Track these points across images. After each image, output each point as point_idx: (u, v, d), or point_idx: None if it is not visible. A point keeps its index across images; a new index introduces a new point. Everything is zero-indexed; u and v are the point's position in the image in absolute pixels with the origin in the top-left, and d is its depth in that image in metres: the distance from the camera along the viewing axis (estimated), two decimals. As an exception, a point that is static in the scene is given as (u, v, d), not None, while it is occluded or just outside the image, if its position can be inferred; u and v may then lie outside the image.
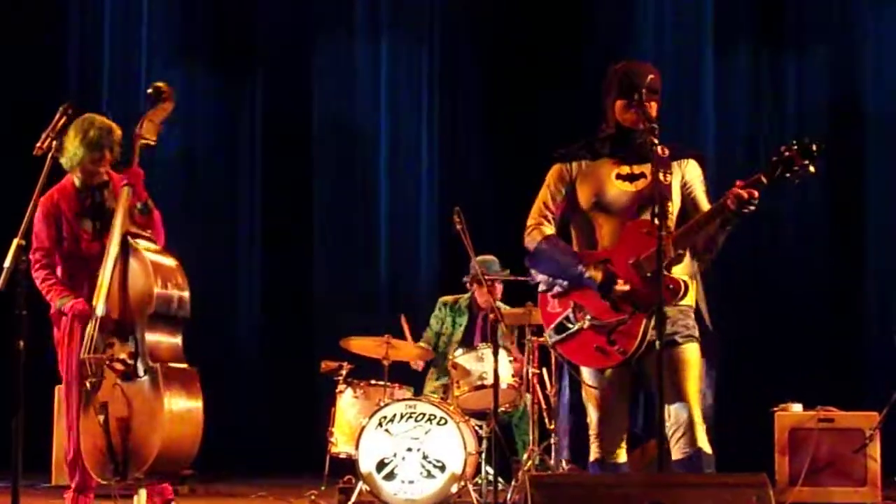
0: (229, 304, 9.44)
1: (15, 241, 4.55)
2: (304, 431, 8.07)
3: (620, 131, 4.31)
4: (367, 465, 6.28)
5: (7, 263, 4.52)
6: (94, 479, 5.30)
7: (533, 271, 4.41)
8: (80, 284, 5.40)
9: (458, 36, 9.54)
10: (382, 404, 6.41)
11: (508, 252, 7.12)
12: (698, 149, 4.60)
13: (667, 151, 4.17)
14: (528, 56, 9.16)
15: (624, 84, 4.25)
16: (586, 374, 4.32)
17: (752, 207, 4.01)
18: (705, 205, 4.26)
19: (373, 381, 6.75)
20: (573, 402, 6.23)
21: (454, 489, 6.24)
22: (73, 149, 5.38)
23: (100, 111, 5.76)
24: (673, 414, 4.14)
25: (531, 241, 4.37)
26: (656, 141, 4.10)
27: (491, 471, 6.31)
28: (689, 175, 4.33)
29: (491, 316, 6.39)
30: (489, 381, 6.30)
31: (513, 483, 6.45)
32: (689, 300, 4.25)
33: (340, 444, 6.64)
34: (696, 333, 4.25)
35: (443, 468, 6.24)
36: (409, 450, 6.27)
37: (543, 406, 6.58)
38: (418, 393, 7.04)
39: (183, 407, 5.10)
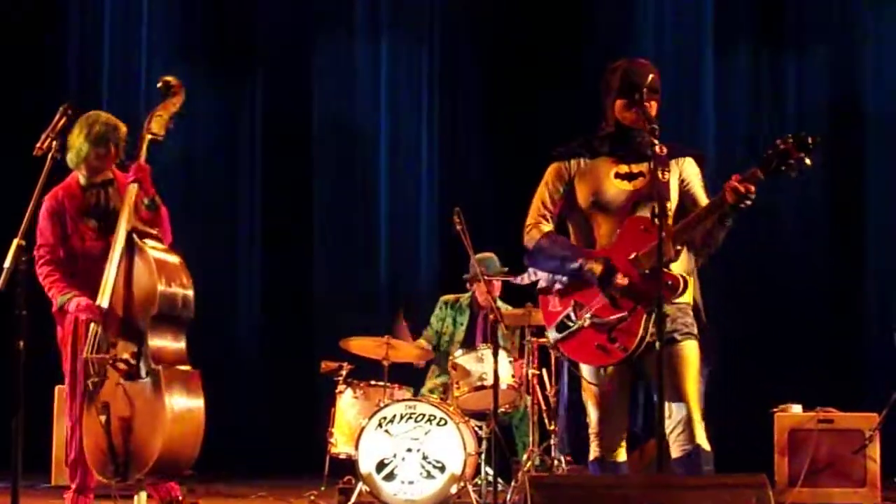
0: (229, 304, 9.44)
1: (15, 242, 4.55)
2: (304, 432, 8.06)
3: (620, 130, 4.31)
4: (366, 466, 6.28)
5: (7, 264, 4.52)
6: (93, 479, 5.30)
7: (532, 270, 4.42)
8: (82, 283, 5.36)
9: (458, 36, 9.54)
10: (382, 405, 6.41)
11: (508, 251, 7.13)
12: (698, 148, 4.60)
13: (664, 150, 4.17)
14: (528, 56, 9.16)
15: (624, 83, 4.25)
16: (587, 371, 4.33)
17: (750, 202, 4.02)
18: (704, 201, 4.27)
19: (372, 382, 6.75)
20: (572, 401, 6.23)
21: (454, 490, 6.24)
22: (77, 144, 5.35)
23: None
24: (671, 411, 4.14)
25: (530, 239, 4.38)
26: (656, 141, 4.11)
27: (490, 471, 6.31)
28: (686, 173, 4.34)
29: (491, 316, 6.39)
30: (489, 381, 6.30)
31: (512, 484, 6.44)
32: (688, 298, 4.26)
33: (340, 444, 6.64)
34: (695, 331, 4.26)
35: (442, 469, 6.24)
36: (409, 450, 6.28)
37: (543, 407, 6.58)
38: (418, 392, 7.04)
39: (185, 409, 5.09)
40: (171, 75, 5.62)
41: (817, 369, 8.43)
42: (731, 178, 4.04)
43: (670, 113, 6.01)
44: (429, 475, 6.25)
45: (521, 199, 4.58)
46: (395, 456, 6.28)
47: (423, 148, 9.50)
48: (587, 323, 4.22)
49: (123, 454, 5.03)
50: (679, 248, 4.15)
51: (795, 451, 6.62)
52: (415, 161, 9.51)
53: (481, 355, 6.59)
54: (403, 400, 6.47)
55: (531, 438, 6.51)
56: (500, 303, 7.03)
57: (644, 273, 4.11)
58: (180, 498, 5.56)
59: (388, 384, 6.68)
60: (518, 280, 4.55)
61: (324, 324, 9.01)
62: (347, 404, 6.73)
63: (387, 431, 6.31)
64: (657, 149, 4.13)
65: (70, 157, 5.37)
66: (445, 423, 6.27)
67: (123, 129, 5.48)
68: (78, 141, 5.35)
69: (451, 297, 7.51)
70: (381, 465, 6.29)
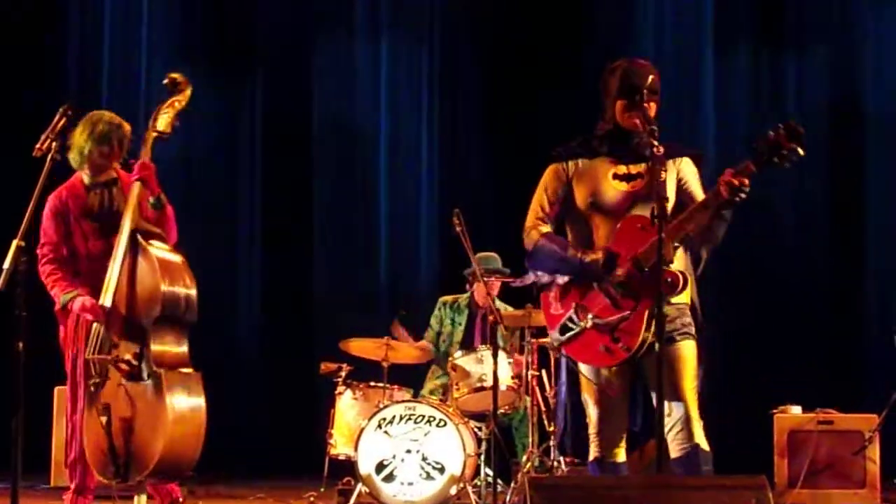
0: (229, 304, 9.43)
1: (14, 242, 4.55)
2: (304, 432, 8.06)
3: (619, 129, 4.32)
4: (366, 467, 6.28)
5: (7, 264, 4.52)
6: (93, 480, 5.30)
7: (533, 271, 4.41)
8: (85, 283, 5.34)
9: (458, 36, 9.54)
10: (382, 406, 6.41)
11: (508, 252, 7.13)
12: (698, 148, 4.61)
13: (661, 149, 4.17)
14: (528, 56, 9.16)
15: (624, 84, 4.26)
16: (587, 371, 4.34)
17: (744, 195, 4.03)
18: (701, 198, 4.27)
19: (372, 383, 6.75)
20: (571, 402, 6.23)
21: (453, 491, 6.24)
22: (81, 143, 5.33)
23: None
24: (670, 410, 4.15)
25: (530, 241, 4.39)
26: (656, 143, 4.11)
27: (490, 473, 6.31)
28: (683, 173, 4.35)
29: (490, 317, 6.39)
30: (488, 383, 6.30)
31: (512, 485, 6.44)
32: (685, 298, 4.28)
33: (340, 445, 6.64)
34: (693, 331, 4.28)
35: (442, 470, 6.24)
36: (409, 451, 6.27)
37: (543, 408, 6.58)
38: (417, 393, 7.04)
39: (186, 411, 5.08)
40: (177, 72, 5.59)
41: (817, 370, 8.43)
42: (725, 173, 4.04)
43: (670, 113, 6.02)
44: (428, 476, 6.25)
45: (522, 200, 4.59)
46: (394, 457, 6.28)
47: (423, 148, 9.49)
48: (589, 324, 4.23)
49: (124, 455, 5.02)
50: (676, 245, 4.15)
51: (795, 452, 6.62)
52: (415, 161, 9.50)
53: (481, 356, 6.59)
54: (403, 401, 6.47)
55: (531, 439, 6.51)
56: (498, 303, 7.03)
57: (644, 271, 4.12)
58: (181, 499, 5.55)
59: (388, 385, 6.68)
60: (518, 282, 4.55)
61: (324, 324, 9.01)
62: (347, 405, 6.72)
63: (386, 432, 6.30)
64: (656, 149, 4.13)
65: (73, 157, 5.36)
66: (445, 424, 6.27)
67: (127, 127, 5.46)
68: (81, 140, 5.33)
69: (449, 297, 7.51)
70: (380, 467, 6.28)
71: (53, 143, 4.85)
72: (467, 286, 7.38)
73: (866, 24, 8.98)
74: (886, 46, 8.93)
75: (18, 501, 4.57)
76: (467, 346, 7.10)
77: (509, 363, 6.59)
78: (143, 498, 5.11)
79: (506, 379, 6.47)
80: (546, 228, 4.39)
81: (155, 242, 5.22)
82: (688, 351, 4.24)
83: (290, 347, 9.17)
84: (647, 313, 4.11)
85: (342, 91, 9.57)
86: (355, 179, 9.58)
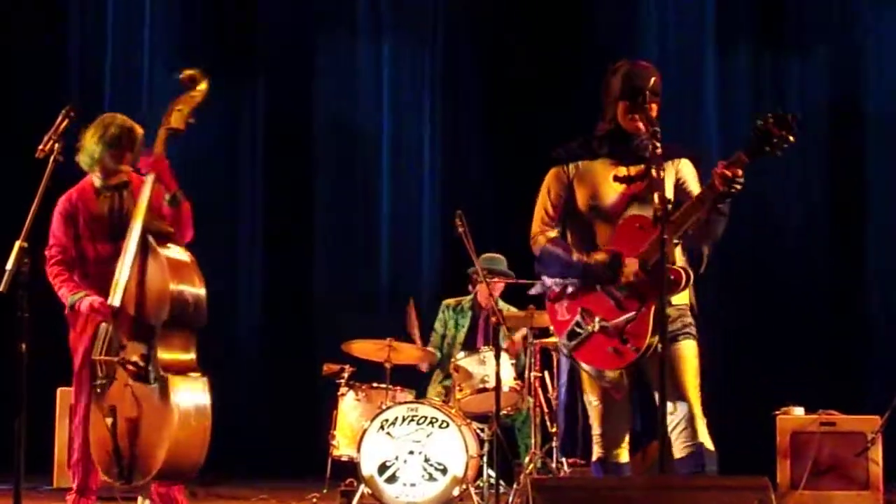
0: (229, 304, 9.41)
1: (17, 244, 4.54)
2: (306, 433, 8.06)
3: (619, 130, 4.32)
4: (368, 468, 6.28)
5: (9, 266, 4.51)
6: (96, 481, 5.28)
7: (543, 278, 4.41)
8: (94, 285, 5.29)
9: (460, 37, 9.54)
10: (384, 407, 6.41)
11: (510, 252, 7.15)
12: (698, 149, 4.61)
13: (660, 150, 4.17)
14: (528, 56, 9.16)
15: (626, 86, 4.26)
16: (591, 371, 4.34)
17: (739, 186, 4.04)
18: None
19: (374, 384, 6.75)
20: (570, 402, 6.23)
21: (456, 492, 6.24)
22: (91, 146, 5.29)
23: (101, 112, 5.70)
24: (674, 410, 4.16)
25: (537, 247, 4.40)
26: (658, 144, 4.11)
27: (493, 474, 6.31)
28: (682, 173, 4.36)
29: (493, 319, 6.39)
30: (491, 384, 6.30)
31: (514, 486, 6.45)
32: (685, 299, 4.28)
33: (342, 446, 6.64)
34: (694, 331, 4.29)
35: (444, 471, 6.24)
36: (411, 453, 6.27)
37: (545, 409, 6.58)
38: (421, 395, 7.04)
39: (192, 416, 5.01)
40: (192, 69, 5.54)
41: (819, 371, 8.43)
42: (718, 165, 4.05)
43: (671, 113, 5.99)
44: (431, 477, 6.25)
45: (522, 200, 4.59)
46: (397, 458, 6.28)
47: (424, 149, 9.49)
48: (597, 328, 4.24)
49: (129, 457, 4.99)
50: (676, 241, 4.16)
51: (797, 453, 6.61)
52: (416, 162, 9.50)
53: (483, 357, 6.59)
54: (405, 402, 6.46)
55: (533, 440, 6.51)
56: (501, 303, 7.03)
57: (647, 270, 4.12)
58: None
59: (390, 387, 6.67)
60: (534, 291, 4.54)
61: (324, 324, 9.01)
62: (349, 406, 6.72)
63: (389, 434, 6.30)
64: (657, 151, 4.14)
65: (83, 160, 5.31)
66: (447, 425, 6.26)
67: (139, 130, 5.40)
68: (92, 143, 5.29)
69: (452, 300, 7.51)
70: (383, 468, 6.28)
71: (56, 145, 4.82)
72: (470, 287, 7.37)
73: (866, 24, 8.99)
74: (887, 46, 8.94)
75: (21, 503, 4.57)
76: (470, 347, 7.09)
77: (511, 364, 6.59)
78: (147, 503, 5.10)
79: (508, 380, 6.47)
80: (552, 233, 4.39)
81: (166, 242, 5.16)
82: (689, 351, 4.25)
83: (291, 348, 9.17)
84: (652, 314, 4.11)
85: (343, 91, 9.57)
86: (356, 180, 9.58)
